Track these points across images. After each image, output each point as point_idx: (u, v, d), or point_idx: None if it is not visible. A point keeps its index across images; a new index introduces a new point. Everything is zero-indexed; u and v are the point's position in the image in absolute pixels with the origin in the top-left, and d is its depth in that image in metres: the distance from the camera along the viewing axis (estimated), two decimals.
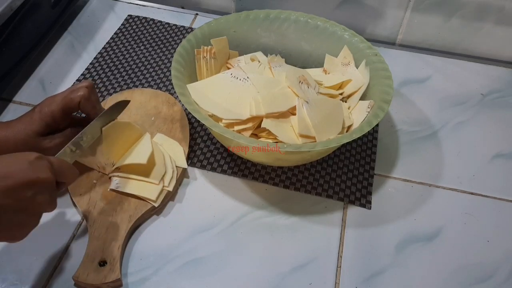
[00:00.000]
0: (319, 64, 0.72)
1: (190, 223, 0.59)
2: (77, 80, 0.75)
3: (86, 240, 0.55)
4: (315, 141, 0.58)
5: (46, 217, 0.58)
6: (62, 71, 0.77)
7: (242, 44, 0.72)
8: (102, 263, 0.52)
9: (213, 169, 0.64)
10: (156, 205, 0.58)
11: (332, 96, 0.66)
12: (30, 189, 0.42)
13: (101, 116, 0.56)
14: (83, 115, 0.58)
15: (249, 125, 0.59)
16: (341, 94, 0.68)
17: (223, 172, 0.64)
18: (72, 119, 0.58)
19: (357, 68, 0.68)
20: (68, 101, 0.55)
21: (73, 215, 0.59)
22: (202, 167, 0.65)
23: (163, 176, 0.60)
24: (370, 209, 0.61)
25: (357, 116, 0.63)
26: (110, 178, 0.60)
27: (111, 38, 0.83)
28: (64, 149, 0.51)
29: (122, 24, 0.86)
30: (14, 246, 0.54)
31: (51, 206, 0.47)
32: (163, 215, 0.59)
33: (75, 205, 0.59)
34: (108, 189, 0.59)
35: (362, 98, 0.65)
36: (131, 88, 0.74)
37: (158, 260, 0.55)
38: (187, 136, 0.66)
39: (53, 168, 0.45)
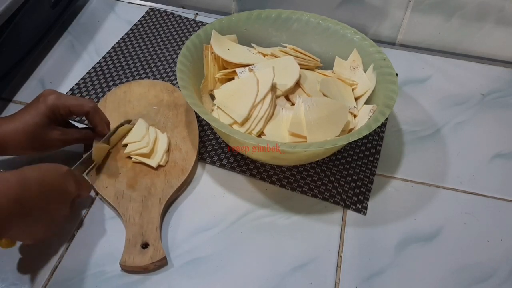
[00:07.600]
0: (328, 66, 0.71)
1: (190, 223, 0.59)
2: (93, 67, 0.76)
3: (86, 241, 0.56)
4: (306, 141, 0.58)
5: None
6: (62, 71, 0.77)
7: (253, 42, 0.71)
8: (144, 246, 0.54)
9: (213, 163, 0.65)
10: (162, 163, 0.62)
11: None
12: (58, 196, 0.50)
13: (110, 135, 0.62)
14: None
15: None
16: None
17: (222, 166, 0.64)
18: (68, 122, 0.62)
19: (364, 71, 0.68)
20: (79, 106, 0.58)
21: (73, 216, 0.59)
22: (202, 159, 0.65)
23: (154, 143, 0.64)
24: (366, 214, 0.61)
25: (360, 120, 0.63)
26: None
27: (128, 31, 0.83)
28: (81, 161, 0.58)
29: (142, 17, 0.87)
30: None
31: (67, 218, 0.53)
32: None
33: (104, 200, 0.60)
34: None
35: (367, 101, 0.65)
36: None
37: None
38: (194, 118, 0.67)
39: (76, 182, 0.52)
